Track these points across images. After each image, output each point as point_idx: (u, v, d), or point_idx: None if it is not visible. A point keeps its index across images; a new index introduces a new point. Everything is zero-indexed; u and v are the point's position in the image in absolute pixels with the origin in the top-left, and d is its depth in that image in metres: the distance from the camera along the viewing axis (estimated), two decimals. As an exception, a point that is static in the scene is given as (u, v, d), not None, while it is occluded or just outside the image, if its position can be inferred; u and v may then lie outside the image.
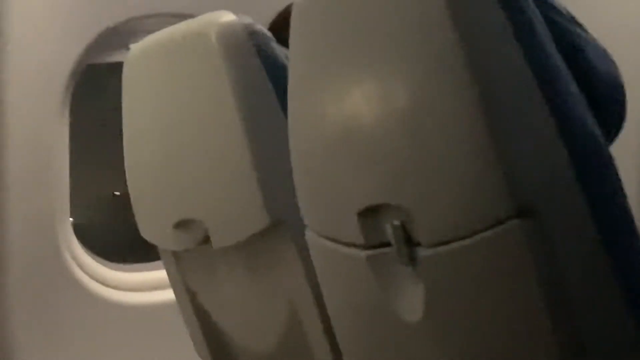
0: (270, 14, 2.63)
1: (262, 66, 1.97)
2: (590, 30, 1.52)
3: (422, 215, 1.45)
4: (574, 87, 1.39)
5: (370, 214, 1.54)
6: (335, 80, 1.57)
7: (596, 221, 1.37)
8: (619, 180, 1.40)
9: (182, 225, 2.13)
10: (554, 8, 1.47)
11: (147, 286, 3.33)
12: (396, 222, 1.49)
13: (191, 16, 2.14)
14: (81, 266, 3.26)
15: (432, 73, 1.39)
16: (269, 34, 2.03)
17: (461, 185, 1.38)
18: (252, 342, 2.19)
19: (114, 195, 4.20)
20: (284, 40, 1.76)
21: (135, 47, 2.22)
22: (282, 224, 1.96)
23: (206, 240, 2.09)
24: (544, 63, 1.37)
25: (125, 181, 2.27)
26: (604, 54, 1.53)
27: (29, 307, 3.12)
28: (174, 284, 2.34)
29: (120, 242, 3.55)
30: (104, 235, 4.13)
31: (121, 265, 3.42)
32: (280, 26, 1.87)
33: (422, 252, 1.48)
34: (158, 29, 2.17)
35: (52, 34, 3.12)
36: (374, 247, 1.56)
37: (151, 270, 3.32)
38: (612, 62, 1.54)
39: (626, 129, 1.54)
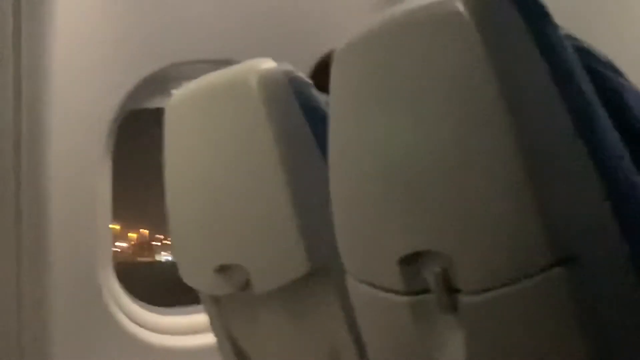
0: (309, 59, 2.64)
1: (303, 113, 1.98)
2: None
3: (463, 262, 1.45)
4: (613, 135, 1.38)
5: (410, 261, 1.54)
6: (376, 127, 1.57)
7: (638, 269, 1.36)
8: None
9: (223, 270, 2.14)
10: (593, 56, 1.47)
11: (189, 330, 3.34)
12: (437, 269, 1.49)
13: (232, 63, 2.16)
14: (123, 310, 3.28)
15: (472, 122, 1.39)
16: (308, 80, 2.04)
17: (502, 233, 1.38)
18: (293, 387, 2.19)
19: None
20: (324, 88, 1.77)
21: (177, 93, 2.24)
22: (323, 269, 1.96)
23: (247, 285, 2.09)
24: (584, 111, 1.37)
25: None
26: None
27: (72, 351, 3.14)
28: (215, 328, 2.35)
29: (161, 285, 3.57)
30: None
31: (163, 309, 3.43)
32: (321, 74, 1.88)
33: (463, 299, 1.47)
34: (199, 76, 2.19)
35: (95, 81, 3.16)
36: (414, 293, 1.56)
37: (193, 314, 3.32)
38: None
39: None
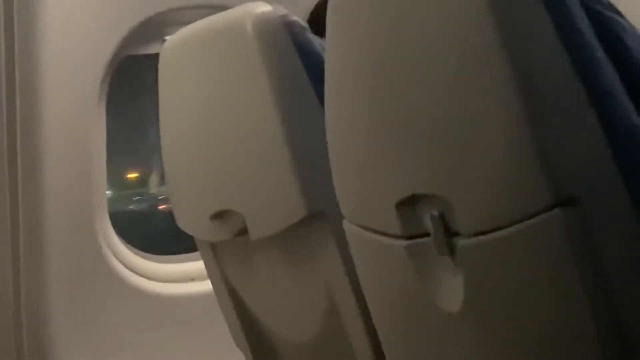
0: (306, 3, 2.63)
1: (299, 57, 1.97)
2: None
3: (461, 205, 1.44)
4: (613, 77, 1.37)
5: (408, 204, 1.53)
6: (372, 69, 1.56)
7: (638, 212, 1.35)
8: None
9: (219, 216, 2.14)
10: None
11: (185, 277, 3.34)
12: (435, 212, 1.49)
13: (227, 7, 2.15)
14: (119, 258, 3.28)
15: (471, 63, 1.38)
16: (304, 24, 2.03)
17: (501, 175, 1.37)
18: (290, 333, 2.20)
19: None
20: (322, 33, 1.76)
21: (171, 39, 2.23)
22: (319, 214, 1.96)
23: (244, 231, 2.09)
24: (582, 52, 1.35)
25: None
26: None
27: (67, 298, 3.14)
28: (211, 275, 2.35)
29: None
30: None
31: (158, 257, 3.43)
32: (318, 18, 1.87)
33: (461, 242, 1.47)
34: (194, 21, 2.17)
35: (90, 25, 3.14)
36: (412, 237, 1.56)
37: (189, 261, 3.33)
38: None
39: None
